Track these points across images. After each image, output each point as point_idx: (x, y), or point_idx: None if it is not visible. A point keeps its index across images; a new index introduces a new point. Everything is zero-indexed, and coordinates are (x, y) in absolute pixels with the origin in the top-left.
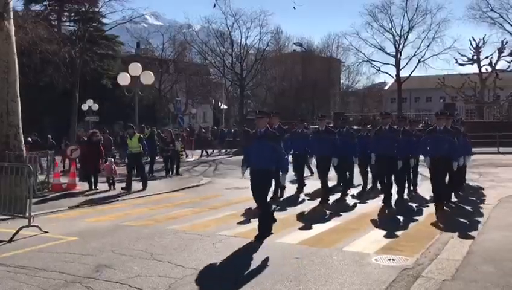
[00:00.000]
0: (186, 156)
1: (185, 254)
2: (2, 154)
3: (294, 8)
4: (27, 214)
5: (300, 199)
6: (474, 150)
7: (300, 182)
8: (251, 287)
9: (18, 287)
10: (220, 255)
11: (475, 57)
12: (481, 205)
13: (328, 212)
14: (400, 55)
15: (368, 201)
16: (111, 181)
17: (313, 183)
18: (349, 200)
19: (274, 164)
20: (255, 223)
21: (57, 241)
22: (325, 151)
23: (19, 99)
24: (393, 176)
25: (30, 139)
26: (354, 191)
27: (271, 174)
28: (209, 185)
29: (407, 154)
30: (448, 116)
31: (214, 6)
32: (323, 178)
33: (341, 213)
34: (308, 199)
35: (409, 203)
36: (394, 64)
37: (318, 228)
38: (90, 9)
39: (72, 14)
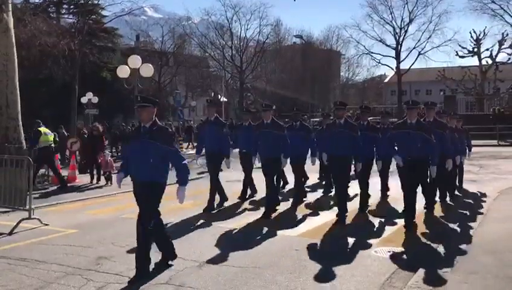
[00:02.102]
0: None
1: (186, 246)
2: (1, 146)
3: (294, 0)
4: (27, 207)
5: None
6: (472, 142)
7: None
8: (251, 278)
9: (19, 279)
10: (220, 246)
11: (475, 49)
12: (481, 197)
13: (329, 204)
14: (400, 48)
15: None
16: (107, 175)
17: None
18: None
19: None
20: (254, 215)
21: (57, 234)
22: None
23: (18, 92)
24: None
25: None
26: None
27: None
28: (207, 179)
29: (370, 154)
30: (430, 107)
31: None
32: (343, 190)
33: None
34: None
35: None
36: (394, 56)
37: (318, 220)
38: (89, 2)
39: (71, 7)
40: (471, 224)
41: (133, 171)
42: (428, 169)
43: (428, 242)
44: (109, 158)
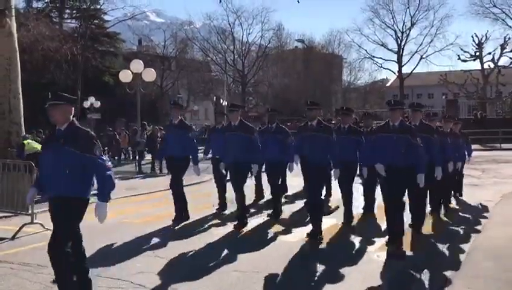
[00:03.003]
0: None
1: (187, 251)
2: (4, 151)
3: (298, 1)
4: (30, 211)
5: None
6: (474, 146)
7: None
8: (253, 282)
9: (21, 284)
10: (222, 251)
11: (477, 53)
12: (484, 202)
13: (331, 208)
14: (402, 52)
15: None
16: None
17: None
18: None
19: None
20: (255, 220)
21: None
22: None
23: (21, 96)
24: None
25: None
26: None
27: (246, 168)
28: (211, 182)
29: (348, 160)
30: (416, 108)
31: (220, 1)
32: (348, 198)
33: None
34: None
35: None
36: (396, 60)
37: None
38: (92, 7)
39: (74, 11)
40: (474, 228)
41: (46, 184)
42: (415, 179)
43: (431, 246)
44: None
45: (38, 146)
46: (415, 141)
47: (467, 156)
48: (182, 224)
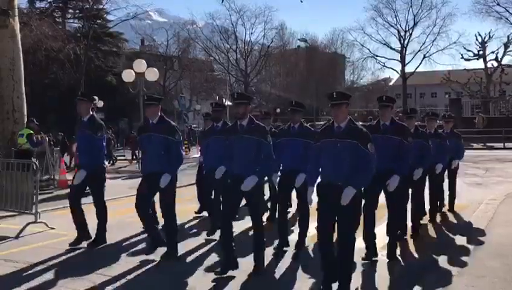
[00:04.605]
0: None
1: (190, 250)
2: (8, 151)
3: (301, 1)
4: (33, 211)
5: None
6: (478, 145)
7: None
8: (259, 280)
9: (25, 282)
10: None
11: (481, 52)
12: (488, 201)
13: None
14: (405, 51)
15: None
16: None
17: None
18: None
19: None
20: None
21: (63, 238)
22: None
23: (24, 96)
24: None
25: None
26: None
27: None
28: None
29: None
30: (385, 104)
31: (222, 1)
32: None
33: None
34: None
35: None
36: (399, 59)
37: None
38: (95, 7)
39: (77, 11)
40: (478, 227)
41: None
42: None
43: (435, 246)
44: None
45: (21, 140)
46: (407, 141)
47: (457, 160)
48: (183, 222)
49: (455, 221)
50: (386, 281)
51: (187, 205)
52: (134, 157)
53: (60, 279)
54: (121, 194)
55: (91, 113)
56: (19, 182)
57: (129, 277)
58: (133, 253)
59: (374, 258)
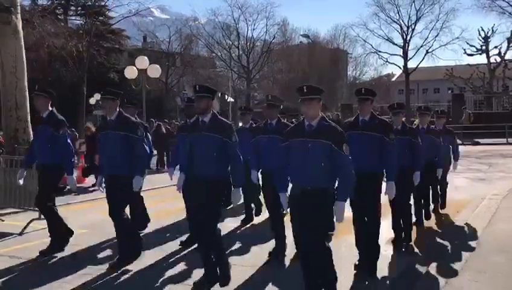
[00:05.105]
0: None
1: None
2: (11, 148)
3: None
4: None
5: None
6: (481, 140)
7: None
8: (262, 275)
9: (29, 279)
10: (228, 246)
11: (484, 47)
12: (491, 196)
13: None
14: (408, 46)
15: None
16: None
17: None
18: None
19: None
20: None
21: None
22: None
23: (27, 93)
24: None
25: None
26: None
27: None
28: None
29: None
30: (364, 97)
31: None
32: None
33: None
34: None
35: None
36: (402, 55)
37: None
38: (97, 3)
39: (79, 8)
40: (481, 223)
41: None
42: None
43: (438, 241)
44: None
45: None
46: (389, 139)
47: (452, 160)
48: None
49: (458, 216)
50: (389, 275)
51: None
52: None
53: (64, 275)
54: None
55: (50, 109)
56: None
57: (134, 271)
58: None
59: (370, 277)
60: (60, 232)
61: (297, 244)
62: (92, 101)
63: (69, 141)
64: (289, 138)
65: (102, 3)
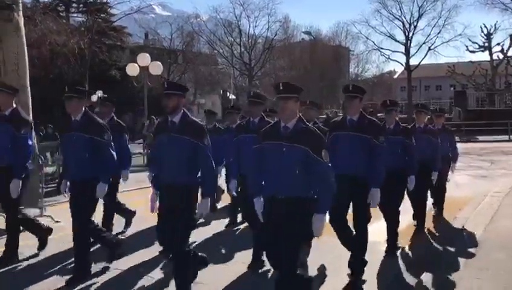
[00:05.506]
0: None
1: (200, 241)
2: None
3: None
4: (39, 204)
5: None
6: (483, 138)
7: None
8: (260, 272)
9: (31, 277)
10: (229, 243)
11: (486, 44)
12: (493, 193)
13: None
14: (410, 43)
15: None
16: None
17: None
18: None
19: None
20: None
21: (69, 231)
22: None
23: (29, 91)
24: None
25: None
26: None
27: None
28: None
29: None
30: (352, 94)
31: None
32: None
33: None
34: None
35: None
36: (404, 52)
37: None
38: (98, 0)
39: (81, 5)
40: (483, 220)
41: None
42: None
43: (440, 238)
44: None
45: None
46: (378, 141)
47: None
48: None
49: (460, 214)
50: (389, 272)
51: None
52: None
53: (66, 273)
54: (128, 187)
55: (14, 106)
56: None
57: (133, 270)
58: (141, 246)
59: None
60: (39, 234)
61: (268, 256)
62: (94, 98)
63: (30, 142)
64: (263, 140)
65: (104, 1)
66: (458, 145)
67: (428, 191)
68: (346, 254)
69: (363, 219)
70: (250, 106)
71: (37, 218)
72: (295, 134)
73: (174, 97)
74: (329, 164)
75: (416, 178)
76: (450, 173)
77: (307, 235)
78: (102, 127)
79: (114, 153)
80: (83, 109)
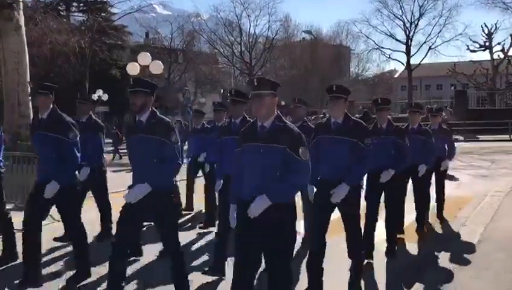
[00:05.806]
0: None
1: (199, 243)
2: (13, 144)
3: None
4: None
5: None
6: (484, 137)
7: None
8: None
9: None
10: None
11: (487, 44)
12: (493, 193)
13: None
14: (411, 42)
15: None
16: None
17: None
18: None
19: None
20: None
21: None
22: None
23: (29, 90)
24: None
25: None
26: None
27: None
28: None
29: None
30: (336, 95)
31: None
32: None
33: None
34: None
35: None
36: (404, 51)
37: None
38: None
39: (81, 5)
40: (483, 220)
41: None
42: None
43: (440, 238)
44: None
45: None
46: (363, 144)
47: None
48: (188, 217)
49: (460, 213)
50: (390, 272)
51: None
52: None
53: (65, 271)
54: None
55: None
56: (25, 175)
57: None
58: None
59: None
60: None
61: (235, 271)
62: (94, 97)
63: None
64: (243, 142)
65: (104, 0)
66: (457, 144)
67: (432, 192)
68: (344, 255)
69: (354, 228)
70: (231, 105)
71: None
72: (272, 133)
73: (141, 95)
74: (309, 162)
75: (416, 179)
76: (442, 167)
77: (289, 243)
78: (67, 125)
79: (78, 155)
80: (51, 106)
